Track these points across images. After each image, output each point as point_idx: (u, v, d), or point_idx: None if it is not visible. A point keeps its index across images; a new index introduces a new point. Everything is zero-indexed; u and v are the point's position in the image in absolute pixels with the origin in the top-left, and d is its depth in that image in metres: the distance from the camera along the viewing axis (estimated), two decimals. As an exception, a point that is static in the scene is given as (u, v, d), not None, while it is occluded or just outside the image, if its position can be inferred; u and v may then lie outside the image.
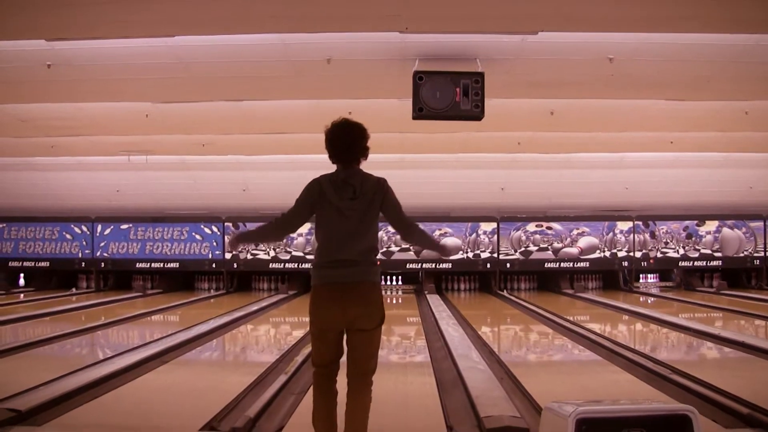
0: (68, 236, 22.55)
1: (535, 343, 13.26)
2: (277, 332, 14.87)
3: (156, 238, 22.40)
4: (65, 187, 21.32)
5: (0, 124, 14.54)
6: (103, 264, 22.55)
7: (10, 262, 22.90)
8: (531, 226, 22.05)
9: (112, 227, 22.45)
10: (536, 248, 21.98)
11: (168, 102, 13.21)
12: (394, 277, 22.86)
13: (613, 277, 22.75)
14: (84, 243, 22.48)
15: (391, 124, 12.95)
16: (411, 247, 21.66)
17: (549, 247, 21.99)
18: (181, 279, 23.06)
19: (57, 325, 14.50)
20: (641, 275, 23.11)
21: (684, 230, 22.23)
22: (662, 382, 8.46)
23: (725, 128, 15.35)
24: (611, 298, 19.20)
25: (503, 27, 9.49)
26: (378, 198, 5.41)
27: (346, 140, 5.45)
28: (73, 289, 22.57)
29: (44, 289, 22.29)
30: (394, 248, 21.66)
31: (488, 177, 20.40)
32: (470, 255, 21.91)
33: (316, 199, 5.43)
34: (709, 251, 22.22)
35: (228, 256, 22.12)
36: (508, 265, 22.02)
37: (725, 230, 22.21)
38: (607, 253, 22.09)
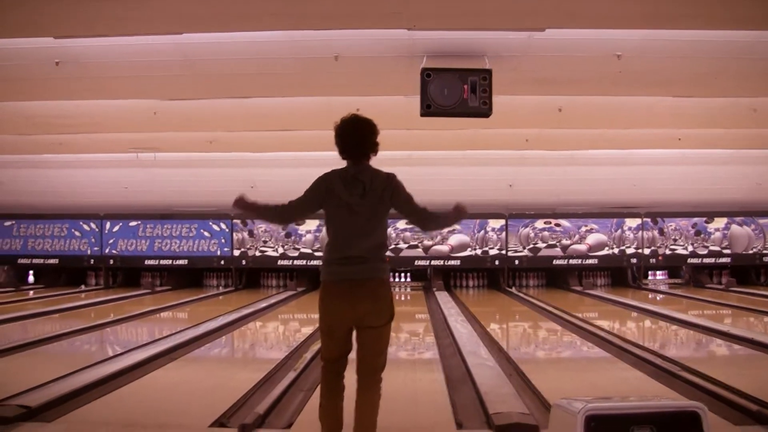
0: (77, 233, 22.58)
1: (543, 339, 13.25)
2: (285, 329, 14.87)
3: (164, 235, 22.42)
4: (73, 184, 21.35)
5: (9, 122, 14.58)
6: (111, 261, 22.59)
7: (19, 260, 22.95)
8: (539, 223, 22.03)
9: (120, 224, 22.48)
10: (545, 245, 21.96)
11: (176, 99, 13.22)
12: (402, 274, 22.88)
13: (621, 274, 22.73)
14: (93, 240, 22.52)
15: (398, 121, 12.94)
16: (419, 244, 21.70)
17: (557, 244, 21.96)
18: (190, 276, 23.09)
19: (66, 322, 14.55)
20: (650, 272, 23.12)
21: (693, 227, 22.19)
22: (671, 379, 8.45)
23: (733, 125, 15.32)
24: (620, 295, 19.16)
25: (510, 24, 9.51)
26: (387, 194, 5.40)
27: (356, 136, 5.44)
28: (82, 286, 22.64)
29: (53, 286, 22.37)
30: (402, 245, 21.68)
31: (496, 174, 20.38)
32: (479, 252, 21.90)
33: (325, 194, 5.42)
34: (717, 248, 22.18)
35: (237, 253, 22.17)
36: (516, 262, 22.00)
37: (734, 227, 22.17)
38: (616, 250, 22.06)
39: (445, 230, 21.44)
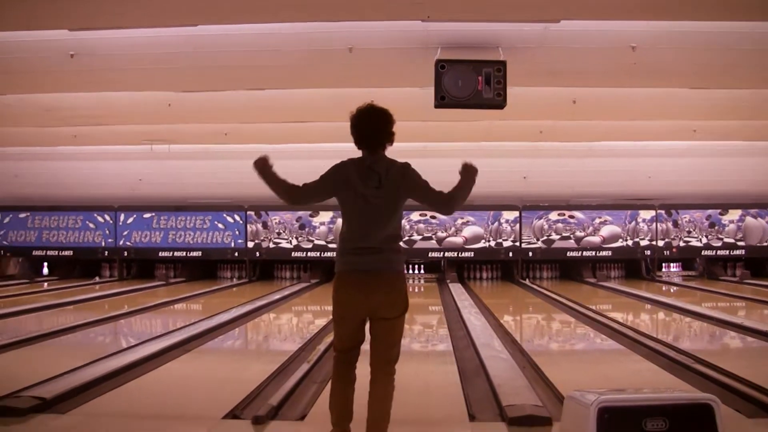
0: (91, 225, 22.63)
1: (557, 332, 13.25)
2: (299, 321, 14.89)
3: (179, 226, 22.46)
4: (88, 176, 21.42)
5: (24, 114, 14.63)
6: (126, 253, 22.64)
7: (33, 251, 23.03)
8: (553, 215, 22.01)
9: (134, 216, 22.53)
10: (558, 237, 21.94)
11: (190, 91, 13.24)
12: (416, 266, 22.88)
13: (635, 266, 22.69)
14: (107, 232, 22.57)
15: (413, 112, 12.91)
16: (433, 236, 21.70)
17: (571, 235, 21.93)
18: (204, 268, 23.12)
19: (80, 314, 14.60)
20: (664, 264, 23.05)
21: (707, 219, 22.13)
22: (684, 372, 8.43)
23: (748, 116, 15.28)
24: (633, 287, 19.13)
25: (525, 15, 9.49)
26: (403, 184, 5.40)
27: (372, 125, 5.43)
28: (96, 278, 22.69)
29: (67, 278, 22.42)
30: (416, 237, 21.68)
31: (510, 165, 20.36)
32: (492, 243, 21.89)
33: (340, 183, 5.42)
34: (732, 240, 22.11)
35: (251, 245, 22.21)
36: (530, 253, 21.99)
37: (748, 219, 22.10)
38: (630, 242, 22.02)
39: (462, 220, 21.49)
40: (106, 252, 22.68)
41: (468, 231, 21.82)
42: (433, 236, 21.75)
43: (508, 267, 22.46)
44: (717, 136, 17.90)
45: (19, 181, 21.59)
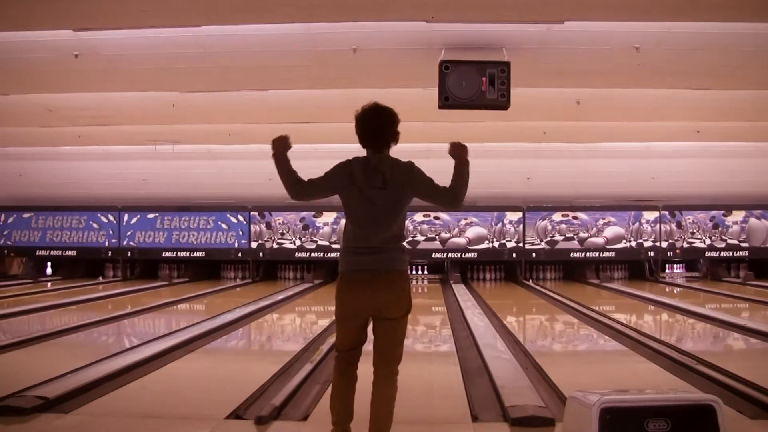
0: (95, 225, 22.66)
1: (560, 332, 13.25)
2: (302, 321, 14.90)
3: (182, 227, 22.48)
4: (92, 176, 21.42)
5: (28, 114, 14.63)
6: (129, 253, 22.67)
7: (37, 251, 23.06)
8: (557, 216, 22.01)
9: (138, 216, 22.56)
10: (562, 238, 21.95)
11: (194, 92, 13.24)
12: (419, 267, 22.90)
13: (638, 267, 22.68)
14: (111, 232, 22.60)
15: (416, 113, 12.91)
16: (436, 237, 21.70)
17: (575, 236, 21.94)
18: (207, 268, 23.14)
19: (84, 313, 14.62)
20: (667, 265, 23.05)
21: (710, 220, 22.13)
22: (687, 373, 8.44)
23: (752, 118, 15.25)
24: (637, 288, 19.13)
25: (529, 16, 9.48)
26: (408, 184, 5.41)
27: (377, 124, 5.44)
28: (100, 278, 22.73)
29: (71, 278, 22.44)
30: (419, 238, 21.69)
31: (514, 166, 20.37)
32: (496, 244, 21.89)
33: (344, 181, 5.44)
34: (735, 241, 22.11)
35: (254, 245, 22.24)
36: (533, 254, 22.00)
37: (752, 220, 22.09)
38: (633, 243, 22.02)
39: (465, 221, 21.50)
40: (110, 252, 22.72)
41: (471, 232, 21.83)
42: (437, 237, 21.76)
43: (511, 268, 22.48)
44: (721, 138, 17.87)
45: (23, 181, 21.60)
